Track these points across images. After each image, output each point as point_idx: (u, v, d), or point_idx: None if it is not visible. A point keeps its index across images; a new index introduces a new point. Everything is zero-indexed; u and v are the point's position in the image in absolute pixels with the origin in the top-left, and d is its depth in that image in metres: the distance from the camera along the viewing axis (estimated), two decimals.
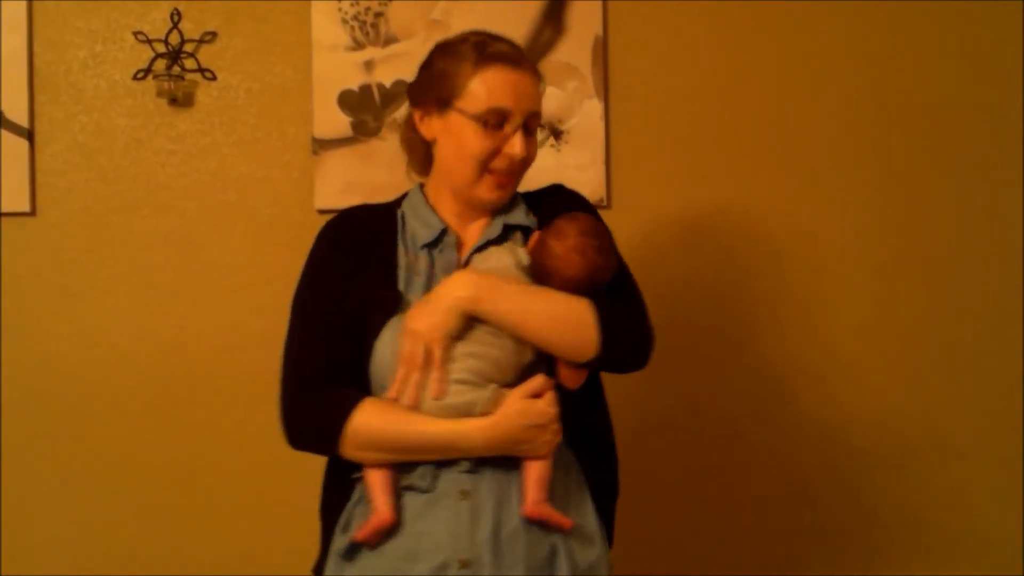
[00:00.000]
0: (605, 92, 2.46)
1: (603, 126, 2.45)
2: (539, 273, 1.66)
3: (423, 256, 1.72)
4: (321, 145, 2.44)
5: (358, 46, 2.45)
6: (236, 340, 2.44)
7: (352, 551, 1.64)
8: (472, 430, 1.58)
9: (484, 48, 1.70)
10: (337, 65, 2.44)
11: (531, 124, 1.71)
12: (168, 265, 2.46)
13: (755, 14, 2.47)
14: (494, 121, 1.67)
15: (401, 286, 1.70)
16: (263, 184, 2.47)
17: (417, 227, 1.75)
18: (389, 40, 2.44)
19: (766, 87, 2.48)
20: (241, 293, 2.45)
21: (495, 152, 1.68)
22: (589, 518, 1.69)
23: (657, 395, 2.44)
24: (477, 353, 1.60)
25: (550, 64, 2.44)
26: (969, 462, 2.48)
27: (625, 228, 2.45)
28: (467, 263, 1.71)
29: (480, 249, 1.72)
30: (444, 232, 1.74)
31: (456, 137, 1.70)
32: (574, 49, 2.44)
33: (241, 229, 2.47)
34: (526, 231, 1.75)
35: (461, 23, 2.41)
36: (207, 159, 2.46)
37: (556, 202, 1.79)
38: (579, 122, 2.45)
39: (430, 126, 1.74)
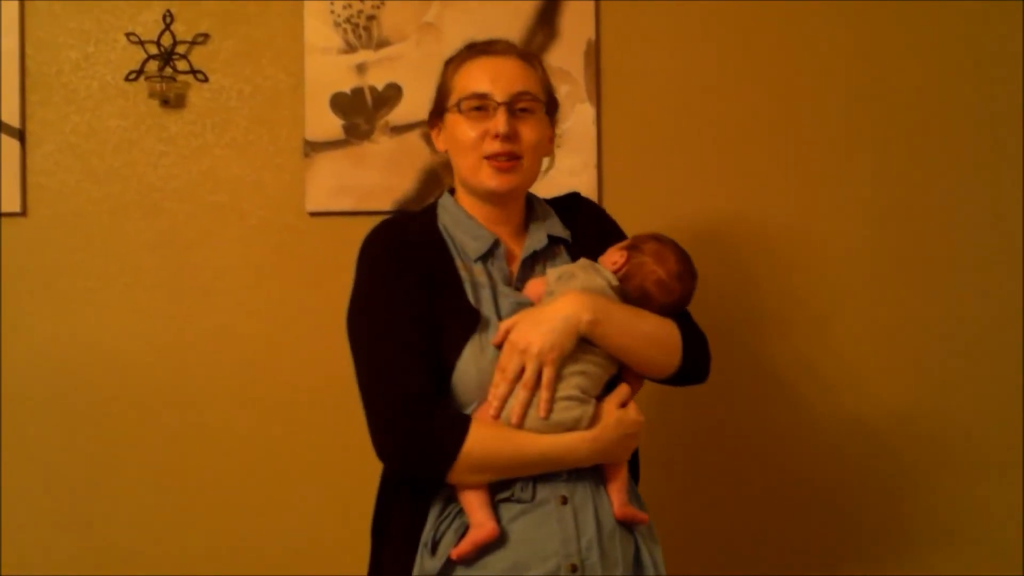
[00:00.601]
0: (597, 96, 2.46)
1: (595, 130, 2.45)
2: (634, 294, 1.71)
3: (480, 268, 1.72)
4: (313, 147, 2.44)
5: (350, 49, 2.45)
6: (227, 341, 2.44)
7: (446, 570, 1.60)
8: (579, 443, 1.61)
9: (472, 48, 1.75)
10: (329, 68, 2.44)
11: (522, 104, 1.71)
12: (159, 266, 2.45)
13: (748, 18, 2.47)
14: (475, 104, 1.70)
15: (472, 300, 1.68)
16: (254, 186, 2.46)
17: (465, 239, 1.74)
18: (381, 43, 2.44)
19: (759, 91, 2.48)
20: (232, 295, 2.45)
21: (483, 135, 1.70)
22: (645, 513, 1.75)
23: (655, 397, 2.44)
24: (585, 371, 1.63)
25: None
26: (970, 462, 2.48)
27: None
28: (522, 276, 1.73)
29: (527, 259, 1.74)
30: (496, 243, 1.74)
31: (452, 134, 1.74)
32: (566, 53, 2.45)
33: (232, 231, 2.46)
34: (565, 243, 1.79)
35: (453, 26, 2.42)
36: (199, 161, 2.46)
37: (583, 214, 1.85)
38: (571, 126, 2.45)
39: (440, 140, 1.79)
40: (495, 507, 1.61)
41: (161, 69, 2.43)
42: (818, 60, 2.48)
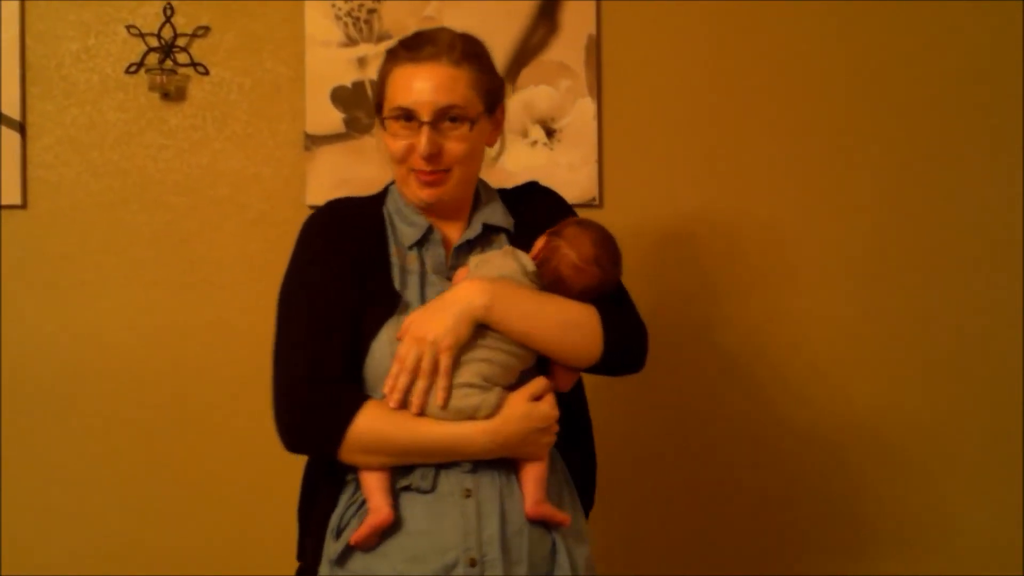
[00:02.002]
0: (598, 91, 2.46)
1: (596, 125, 2.45)
2: (550, 280, 1.67)
3: (412, 255, 1.72)
4: (313, 141, 2.44)
5: (351, 42, 2.44)
6: (226, 335, 2.44)
7: (345, 555, 1.61)
8: (477, 433, 1.58)
9: (402, 49, 1.69)
10: (330, 61, 2.44)
11: (450, 117, 1.66)
12: (159, 259, 2.45)
13: (749, 14, 2.47)
14: (402, 119, 1.66)
15: (397, 285, 1.68)
16: (255, 180, 2.46)
17: (402, 226, 1.74)
18: (382, 37, 2.44)
19: (759, 87, 2.48)
20: (231, 288, 2.45)
21: (410, 150, 1.67)
22: (579, 516, 1.71)
23: (648, 396, 2.45)
24: (489, 358, 1.61)
25: (543, 63, 2.44)
26: (970, 462, 2.49)
27: (617, 227, 2.45)
28: (455, 265, 1.71)
29: (461, 248, 1.72)
30: (430, 230, 1.73)
31: (383, 142, 1.72)
32: (567, 48, 2.44)
33: (232, 224, 2.46)
34: (507, 232, 1.76)
35: (454, 20, 2.40)
36: (199, 154, 2.46)
37: (536, 202, 1.80)
38: (572, 121, 2.45)
39: (378, 135, 1.75)
40: (397, 495, 1.60)
41: (161, 62, 2.43)
42: (818, 57, 2.48)
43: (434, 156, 1.66)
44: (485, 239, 1.75)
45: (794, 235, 2.49)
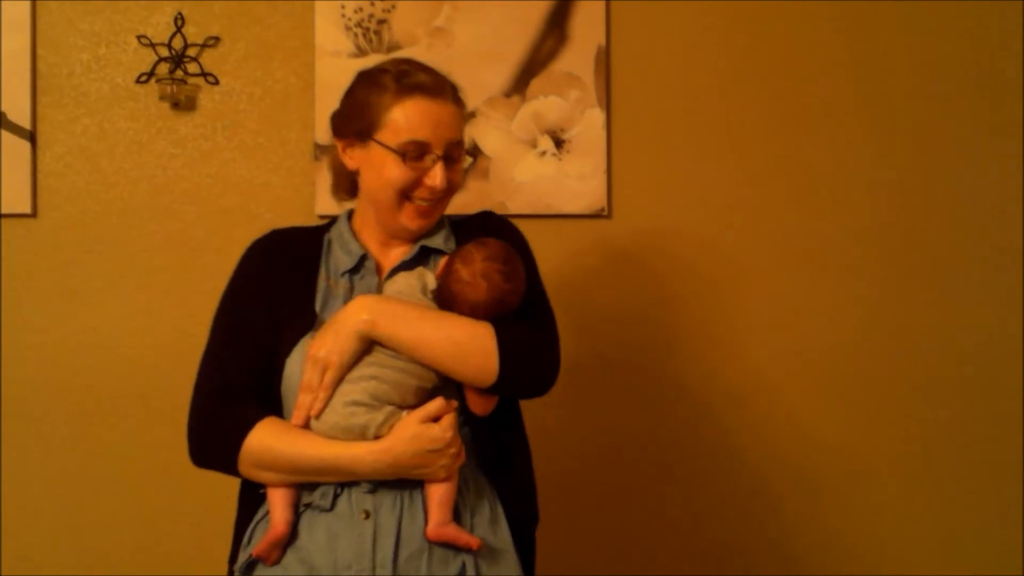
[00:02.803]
0: (607, 102, 2.46)
1: (605, 135, 2.45)
2: (445, 297, 1.66)
3: (343, 282, 1.73)
4: (323, 150, 2.44)
5: (361, 52, 2.45)
6: None
7: (250, 567, 1.65)
8: (364, 453, 1.57)
9: (402, 78, 1.70)
10: (340, 71, 2.43)
11: (453, 153, 1.71)
12: (168, 269, 2.46)
13: (758, 24, 2.47)
14: (413, 153, 1.67)
15: (317, 308, 1.70)
16: (264, 189, 2.47)
17: (339, 254, 1.76)
18: (392, 47, 2.45)
19: (769, 96, 2.48)
20: None
21: (416, 183, 1.69)
22: (501, 536, 1.67)
23: (651, 403, 2.44)
24: (377, 376, 1.60)
25: (552, 73, 2.44)
26: (971, 463, 2.48)
27: (626, 238, 2.46)
28: (382, 287, 1.73)
29: (395, 271, 1.73)
30: (364, 258, 1.75)
31: (377, 168, 1.71)
32: (576, 58, 2.45)
33: (241, 234, 2.41)
34: (442, 256, 1.76)
35: (463, 31, 2.42)
36: (208, 163, 2.47)
37: (478, 229, 1.79)
38: (581, 132, 2.45)
39: (352, 156, 1.75)
40: (300, 511, 1.62)
41: (172, 71, 2.44)
42: (827, 68, 2.48)
43: (441, 189, 1.70)
44: (424, 263, 1.75)
45: (804, 244, 2.48)
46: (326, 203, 2.42)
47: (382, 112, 1.69)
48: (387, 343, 1.60)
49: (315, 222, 2.41)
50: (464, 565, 1.60)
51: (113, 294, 2.45)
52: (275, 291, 1.72)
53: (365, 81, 1.74)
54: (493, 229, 1.79)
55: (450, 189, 1.73)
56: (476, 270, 1.64)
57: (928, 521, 2.48)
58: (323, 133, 2.44)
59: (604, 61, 2.45)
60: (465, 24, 2.42)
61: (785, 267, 2.48)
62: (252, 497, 1.69)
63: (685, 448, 2.47)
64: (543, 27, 2.45)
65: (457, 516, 1.61)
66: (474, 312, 1.64)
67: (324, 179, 2.43)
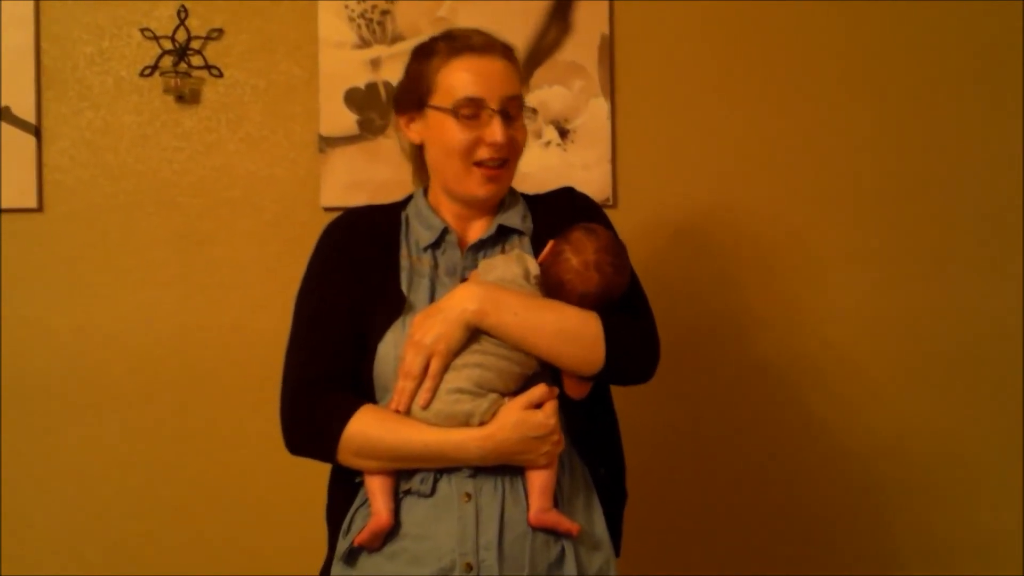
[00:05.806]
0: (612, 91, 2.45)
1: (609, 125, 2.45)
2: (552, 285, 1.65)
3: (426, 258, 1.72)
4: (327, 143, 2.44)
5: (365, 44, 2.45)
6: (241, 337, 2.45)
7: (353, 555, 1.63)
8: (467, 440, 1.57)
9: (451, 41, 1.70)
10: (344, 63, 2.44)
11: (511, 109, 1.68)
12: (173, 262, 2.46)
13: (762, 13, 2.47)
14: (469, 111, 1.66)
15: (404, 288, 1.69)
16: (269, 181, 2.47)
17: (419, 229, 1.75)
18: (396, 38, 2.44)
19: (772, 85, 2.48)
20: (246, 290, 2.45)
21: (476, 142, 1.67)
22: (597, 523, 1.68)
23: (663, 395, 2.44)
24: (481, 363, 1.59)
25: (556, 63, 2.44)
26: (970, 461, 2.48)
27: (631, 227, 2.45)
28: (469, 266, 1.71)
29: (475, 248, 1.72)
30: (445, 232, 1.73)
31: (437, 135, 1.70)
32: (580, 48, 2.44)
33: (247, 226, 2.47)
34: (522, 235, 1.75)
35: (467, 21, 2.41)
36: (213, 156, 2.47)
37: (559, 207, 1.78)
38: (585, 121, 2.45)
39: (415, 130, 1.75)
40: (400, 498, 1.61)
41: (176, 64, 2.44)
42: (830, 55, 2.47)
43: (503, 145, 1.67)
44: (504, 241, 1.74)
45: (808, 232, 2.48)
46: (331, 195, 2.43)
47: (434, 76, 1.69)
48: (495, 333, 1.59)
49: (320, 214, 2.44)
50: (564, 550, 1.61)
51: (119, 287, 2.46)
52: (358, 272, 1.70)
53: (418, 52, 1.75)
54: (581, 208, 1.78)
55: (515, 150, 1.70)
56: (589, 261, 1.63)
57: None
58: (327, 125, 2.44)
59: (608, 50, 2.45)
60: (468, 14, 2.42)
61: (791, 253, 2.48)
62: (347, 486, 1.67)
63: (701, 444, 2.48)
64: (547, 17, 2.44)
65: (555, 502, 1.61)
66: (582, 302, 1.63)
67: (328, 171, 2.44)
